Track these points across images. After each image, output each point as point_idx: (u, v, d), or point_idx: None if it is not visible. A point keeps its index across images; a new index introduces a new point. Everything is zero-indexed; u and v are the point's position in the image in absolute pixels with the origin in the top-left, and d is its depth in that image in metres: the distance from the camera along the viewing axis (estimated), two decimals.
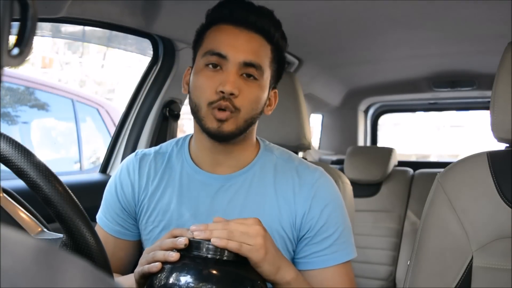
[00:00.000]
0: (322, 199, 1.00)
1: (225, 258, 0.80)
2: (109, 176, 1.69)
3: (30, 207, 0.89)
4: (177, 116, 1.79)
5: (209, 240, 0.81)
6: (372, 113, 3.33)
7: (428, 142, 7.21)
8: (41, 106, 3.00)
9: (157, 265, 0.81)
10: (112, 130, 2.79)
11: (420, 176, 2.64)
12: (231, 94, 0.93)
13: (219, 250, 0.80)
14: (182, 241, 0.80)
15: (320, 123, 3.21)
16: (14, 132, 2.68)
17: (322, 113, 3.17)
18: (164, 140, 1.71)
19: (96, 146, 3.29)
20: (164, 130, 1.77)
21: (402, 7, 1.58)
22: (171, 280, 0.78)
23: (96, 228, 1.07)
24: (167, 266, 0.81)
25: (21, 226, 0.77)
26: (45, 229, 0.80)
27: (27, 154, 0.68)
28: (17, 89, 2.80)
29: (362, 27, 1.79)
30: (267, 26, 0.98)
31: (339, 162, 2.90)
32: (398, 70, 2.60)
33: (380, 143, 3.43)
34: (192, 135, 1.08)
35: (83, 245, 0.69)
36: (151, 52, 1.72)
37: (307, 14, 1.63)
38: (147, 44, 1.71)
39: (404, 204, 2.59)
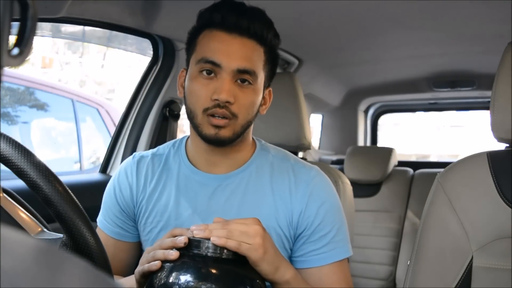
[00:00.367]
0: (319, 197, 1.01)
1: (224, 256, 0.81)
2: (109, 176, 1.69)
3: (30, 207, 0.89)
4: (177, 116, 1.79)
5: (209, 239, 0.81)
6: (372, 113, 3.33)
7: (428, 142, 7.21)
8: (41, 106, 3.00)
9: (157, 263, 0.82)
10: (112, 130, 2.79)
11: (420, 176, 2.64)
12: (227, 102, 0.94)
13: (219, 248, 0.80)
14: (182, 240, 0.82)
15: (320, 123, 3.21)
16: (14, 132, 2.68)
17: (322, 113, 3.17)
18: (164, 140, 1.71)
19: (96, 146, 3.29)
20: (164, 130, 1.77)
21: (402, 7, 1.58)
22: (171, 279, 0.79)
23: (97, 231, 1.08)
24: (167, 265, 0.81)
25: (21, 226, 0.77)
26: (45, 229, 0.80)
27: (27, 154, 0.68)
28: (17, 89, 2.80)
29: (362, 27, 1.79)
30: (259, 30, 0.98)
31: (339, 162, 2.90)
32: (398, 70, 2.60)
33: (380, 143, 3.43)
34: (189, 136, 1.09)
35: (83, 245, 0.69)
36: (151, 52, 1.72)
37: (307, 14, 1.63)
38: (147, 44, 1.71)
39: (404, 204, 2.59)
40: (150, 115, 1.73)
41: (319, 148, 3.21)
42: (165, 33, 1.60)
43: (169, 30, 1.57)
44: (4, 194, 0.81)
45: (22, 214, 0.79)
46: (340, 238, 1.01)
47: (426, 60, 2.35)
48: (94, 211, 1.10)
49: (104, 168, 1.78)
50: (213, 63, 0.95)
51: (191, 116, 0.99)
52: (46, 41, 5.76)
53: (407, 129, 6.95)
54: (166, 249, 0.83)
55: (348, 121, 3.17)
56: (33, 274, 0.25)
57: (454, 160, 1.11)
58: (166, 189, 1.05)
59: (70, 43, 6.55)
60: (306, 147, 1.58)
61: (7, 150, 0.67)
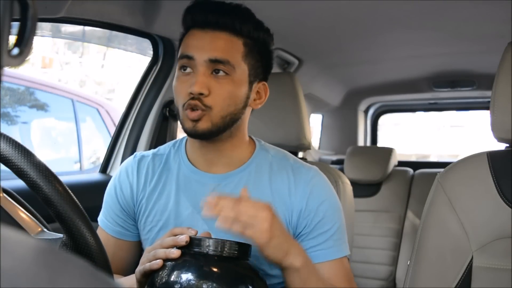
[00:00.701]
0: (318, 196, 1.02)
1: (225, 254, 0.81)
2: (109, 176, 1.69)
3: (30, 207, 0.89)
4: (177, 116, 1.79)
5: (209, 238, 0.82)
6: (372, 113, 3.32)
7: (428, 142, 7.20)
8: (41, 106, 3.00)
9: (158, 262, 0.82)
10: (112, 130, 2.78)
11: (420, 176, 2.64)
12: (201, 94, 0.95)
13: (220, 246, 0.81)
14: (183, 238, 0.82)
15: (320, 123, 3.21)
16: (14, 132, 2.68)
17: (322, 113, 3.17)
18: (164, 140, 1.71)
19: (96, 146, 3.29)
20: (164, 130, 1.77)
21: (402, 7, 1.58)
22: (172, 278, 0.79)
23: (98, 231, 1.09)
24: (168, 264, 0.82)
25: (21, 226, 0.77)
26: (45, 229, 0.80)
27: (27, 154, 0.68)
28: (17, 89, 2.80)
29: (362, 27, 1.79)
30: (230, 22, 0.99)
31: (339, 162, 2.90)
32: (398, 70, 2.60)
33: (380, 143, 3.43)
34: None
35: (83, 245, 0.69)
36: (151, 52, 1.72)
37: (307, 14, 1.63)
38: (147, 44, 1.71)
39: (404, 204, 2.59)
40: (150, 115, 1.73)
41: (319, 148, 3.21)
42: (165, 33, 1.60)
43: (169, 30, 1.57)
44: (4, 194, 0.81)
45: (22, 214, 0.79)
46: (339, 237, 1.02)
47: (426, 60, 2.35)
48: (94, 211, 1.10)
49: (104, 168, 1.78)
50: (187, 56, 0.98)
51: (177, 114, 1.02)
52: (46, 41, 5.76)
53: (407, 129, 6.95)
54: (167, 247, 0.84)
55: (348, 121, 3.17)
56: (33, 274, 0.25)
57: (454, 160, 1.11)
58: (166, 189, 1.06)
59: (70, 43, 6.55)
60: (306, 147, 1.58)
61: (7, 150, 0.67)
